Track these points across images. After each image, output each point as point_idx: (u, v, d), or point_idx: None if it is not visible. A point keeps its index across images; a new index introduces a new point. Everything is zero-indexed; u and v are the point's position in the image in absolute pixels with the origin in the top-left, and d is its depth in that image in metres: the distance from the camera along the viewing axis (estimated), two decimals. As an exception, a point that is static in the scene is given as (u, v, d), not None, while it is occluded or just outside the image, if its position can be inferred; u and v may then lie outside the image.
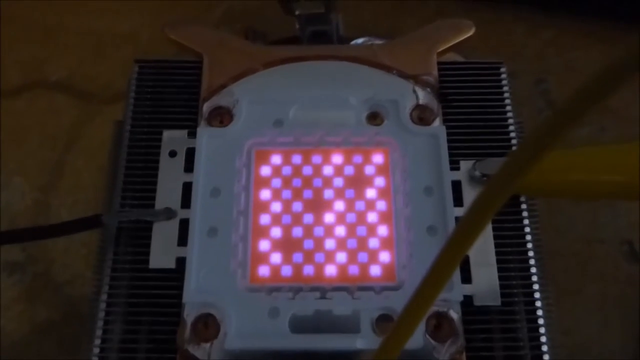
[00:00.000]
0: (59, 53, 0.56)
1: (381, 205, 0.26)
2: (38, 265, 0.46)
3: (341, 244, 0.26)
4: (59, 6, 0.57)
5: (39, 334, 0.44)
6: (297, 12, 0.40)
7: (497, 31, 0.59)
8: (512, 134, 0.29)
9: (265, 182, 0.27)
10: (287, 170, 0.27)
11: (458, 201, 0.27)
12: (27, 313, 0.45)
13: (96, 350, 0.24)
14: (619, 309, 0.48)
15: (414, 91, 0.29)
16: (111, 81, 0.54)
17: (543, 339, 0.25)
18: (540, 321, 0.25)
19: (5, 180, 0.49)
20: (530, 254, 0.26)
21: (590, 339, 0.47)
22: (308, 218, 0.26)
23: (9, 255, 0.45)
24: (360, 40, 0.35)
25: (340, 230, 0.26)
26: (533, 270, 0.26)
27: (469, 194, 0.27)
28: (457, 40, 0.31)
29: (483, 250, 0.26)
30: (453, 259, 0.18)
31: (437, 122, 0.28)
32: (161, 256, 0.25)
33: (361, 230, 0.26)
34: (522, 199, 0.27)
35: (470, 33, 0.31)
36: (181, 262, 0.25)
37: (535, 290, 0.26)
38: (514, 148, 0.28)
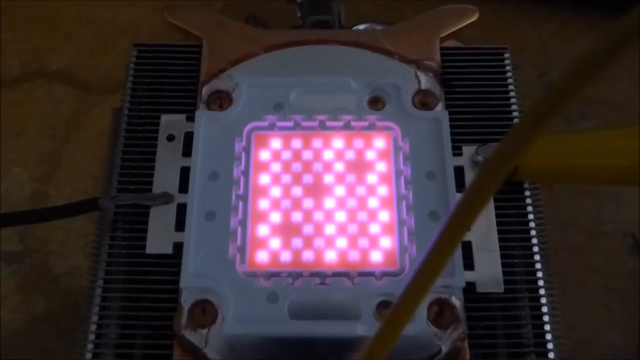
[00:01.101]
0: (59, 43, 0.55)
1: (382, 190, 0.26)
2: (36, 256, 0.46)
3: (341, 229, 0.25)
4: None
5: (38, 324, 0.44)
6: (298, 0, 0.40)
7: (500, 24, 0.59)
8: (515, 120, 0.28)
9: (264, 167, 0.26)
10: (286, 154, 0.26)
11: (460, 187, 0.26)
12: (25, 304, 0.44)
13: (92, 337, 0.24)
14: (622, 302, 0.47)
15: (416, 76, 0.28)
16: (111, 72, 0.53)
17: (546, 327, 0.24)
18: (544, 309, 0.25)
19: (5, 170, 0.49)
20: (534, 240, 0.26)
21: (593, 332, 0.46)
22: (308, 203, 0.26)
23: (6, 245, 0.45)
24: (362, 27, 0.34)
25: (341, 216, 0.25)
26: (536, 257, 0.26)
27: (472, 179, 0.26)
28: (460, 26, 0.30)
29: (486, 237, 0.25)
30: (451, 241, 0.17)
31: (440, 107, 0.28)
32: (158, 241, 0.25)
33: (362, 216, 0.25)
34: (526, 185, 0.27)
35: (474, 18, 0.30)
36: (178, 247, 0.25)
37: (539, 278, 0.25)
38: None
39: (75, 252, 0.46)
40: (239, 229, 0.25)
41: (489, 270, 0.25)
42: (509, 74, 0.29)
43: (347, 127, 0.27)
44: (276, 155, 0.26)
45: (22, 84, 0.53)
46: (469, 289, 0.24)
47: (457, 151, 0.27)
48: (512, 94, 0.29)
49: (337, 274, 0.24)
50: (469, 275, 0.25)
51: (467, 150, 0.27)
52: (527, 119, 0.15)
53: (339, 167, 0.26)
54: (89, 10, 0.57)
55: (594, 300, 0.48)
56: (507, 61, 0.30)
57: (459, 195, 0.26)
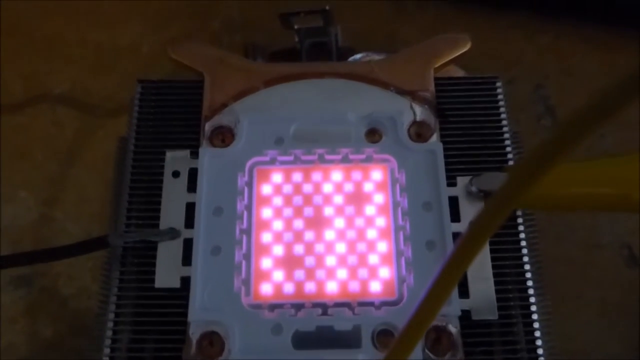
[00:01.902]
0: (61, 66, 0.56)
1: (380, 221, 0.27)
2: (44, 278, 0.46)
3: (342, 260, 0.26)
4: (59, 19, 0.57)
5: (46, 348, 0.45)
6: (296, 26, 0.41)
7: (496, 37, 0.59)
8: (508, 149, 0.29)
9: (266, 201, 0.27)
10: (287, 188, 0.27)
11: (455, 216, 0.27)
12: (33, 327, 0.45)
13: (104, 368, 0.25)
14: (620, 314, 0.48)
15: (412, 107, 0.29)
16: (113, 93, 0.54)
17: (540, 351, 0.25)
18: (537, 333, 0.26)
19: (11, 194, 0.50)
20: (527, 267, 0.27)
21: (590, 344, 0.47)
22: (309, 235, 0.27)
23: (15, 269, 0.46)
24: (358, 56, 0.35)
25: (341, 247, 0.26)
26: (529, 283, 0.27)
27: (466, 209, 0.27)
28: (453, 56, 0.31)
29: (480, 264, 0.26)
30: (453, 276, 0.18)
31: (435, 138, 0.29)
32: (166, 276, 0.26)
33: (361, 247, 0.26)
34: (518, 212, 0.28)
35: (467, 48, 0.31)
36: (186, 281, 0.26)
37: (532, 304, 0.26)
38: (509, 162, 0.29)
39: (83, 273, 0.47)
40: (244, 263, 0.26)
41: (483, 298, 0.26)
42: (501, 103, 0.30)
43: (345, 160, 0.28)
44: (278, 189, 0.27)
45: (26, 108, 0.54)
46: (465, 316, 0.25)
47: (451, 180, 0.28)
48: (504, 122, 0.30)
49: (338, 304, 0.25)
50: (464, 303, 0.25)
51: (462, 180, 0.28)
52: (532, 160, 0.15)
53: (338, 199, 0.27)
54: (88, 32, 0.58)
55: (592, 311, 0.49)
56: (499, 90, 0.31)
57: (454, 225, 0.27)
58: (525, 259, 0.27)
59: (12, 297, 0.46)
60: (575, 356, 0.44)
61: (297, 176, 0.28)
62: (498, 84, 0.31)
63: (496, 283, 0.26)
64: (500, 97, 0.30)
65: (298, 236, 0.27)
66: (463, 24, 0.57)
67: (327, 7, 0.39)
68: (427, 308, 0.19)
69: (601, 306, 0.48)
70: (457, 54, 0.31)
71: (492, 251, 0.27)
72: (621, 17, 0.56)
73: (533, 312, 0.26)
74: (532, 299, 0.26)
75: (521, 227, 0.28)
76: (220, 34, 0.57)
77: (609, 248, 0.50)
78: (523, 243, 0.27)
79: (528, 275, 0.27)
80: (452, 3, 0.58)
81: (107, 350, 0.25)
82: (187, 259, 0.26)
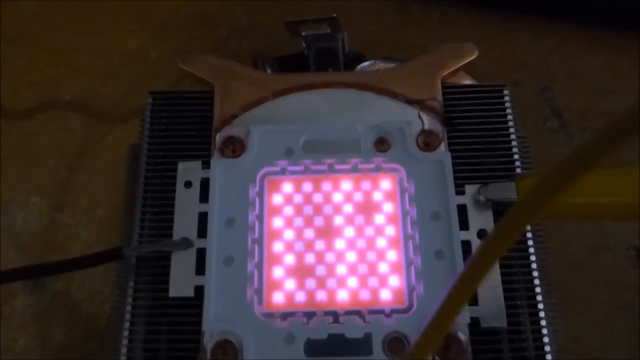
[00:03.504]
0: (71, 73, 0.57)
1: (390, 230, 0.27)
2: (57, 283, 0.47)
3: (352, 269, 0.27)
4: (68, 27, 0.58)
5: (60, 352, 0.46)
6: (303, 34, 0.42)
7: (501, 40, 0.60)
8: (516, 157, 0.29)
9: (277, 211, 0.28)
10: (298, 198, 0.28)
11: (464, 224, 0.27)
12: (47, 331, 0.46)
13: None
14: (626, 315, 0.48)
15: (420, 117, 0.30)
16: (122, 100, 0.55)
17: (549, 357, 0.26)
18: (546, 339, 0.26)
19: (24, 200, 0.51)
20: (535, 274, 0.27)
21: (598, 346, 0.47)
22: (320, 245, 0.27)
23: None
24: (366, 64, 0.36)
25: (351, 256, 0.27)
26: (537, 290, 0.27)
27: (474, 217, 0.28)
28: (460, 64, 0.31)
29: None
30: (471, 285, 0.19)
31: (443, 147, 0.29)
32: (180, 285, 0.27)
33: (371, 256, 0.27)
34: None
35: (474, 56, 0.32)
36: (199, 290, 0.26)
37: (541, 310, 0.27)
38: (517, 171, 0.29)
39: (95, 277, 0.48)
40: (256, 272, 0.26)
41: (492, 305, 0.26)
42: (508, 111, 0.31)
43: (354, 169, 0.28)
44: (288, 199, 0.28)
45: (37, 114, 0.55)
46: (474, 323, 0.26)
47: (459, 189, 0.28)
48: (512, 130, 0.30)
49: (349, 313, 0.26)
50: (473, 311, 0.26)
51: (470, 189, 0.28)
52: (562, 168, 0.15)
53: (348, 209, 0.28)
54: (97, 39, 0.59)
55: (598, 313, 0.49)
56: (506, 98, 0.31)
57: (462, 234, 0.27)
58: (534, 265, 0.27)
59: (27, 301, 0.47)
60: (582, 356, 0.45)
61: (307, 186, 0.28)
62: (505, 92, 0.31)
63: (505, 290, 0.27)
64: (507, 104, 0.31)
65: (309, 245, 0.27)
66: (469, 27, 0.58)
67: (335, 15, 0.39)
68: (443, 317, 0.19)
69: (608, 308, 0.48)
70: (464, 63, 0.32)
71: (500, 258, 0.27)
72: (628, 19, 0.56)
73: (542, 319, 0.26)
74: (541, 306, 0.27)
75: (529, 234, 0.28)
76: (228, 40, 0.57)
77: (615, 249, 0.50)
78: (531, 250, 0.28)
79: (536, 282, 0.27)
80: (457, 6, 0.58)
81: (123, 359, 0.26)
82: (200, 268, 0.27)
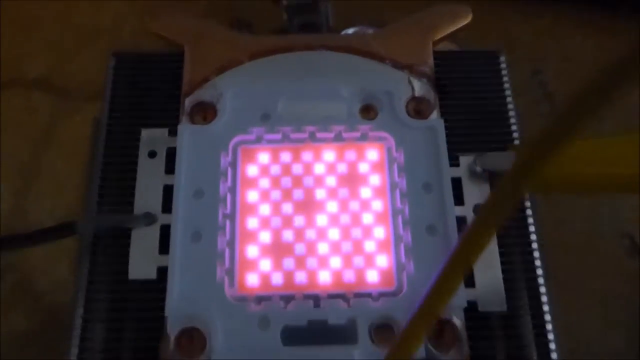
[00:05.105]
0: (38, 48, 0.53)
1: (377, 204, 0.25)
2: (17, 273, 0.44)
3: (335, 248, 0.24)
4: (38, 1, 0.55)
5: (21, 343, 0.42)
6: (284, 2, 0.39)
7: (493, 21, 0.58)
8: (514, 127, 0.27)
9: (252, 183, 0.25)
10: (275, 169, 0.25)
11: (458, 199, 0.25)
12: (6, 322, 0.43)
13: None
14: (621, 304, 0.47)
15: (410, 82, 0.27)
16: (92, 77, 0.52)
17: (552, 345, 0.23)
18: (549, 327, 0.24)
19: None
20: (536, 254, 0.25)
21: (591, 335, 0.46)
22: (299, 220, 0.24)
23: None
24: (351, 30, 0.33)
25: (334, 233, 0.24)
26: (539, 272, 0.24)
27: (470, 191, 0.25)
28: (454, 28, 0.29)
29: (486, 251, 0.24)
30: (464, 263, 0.17)
31: (435, 115, 0.26)
32: (141, 266, 0.24)
33: (356, 233, 0.24)
34: (526, 195, 0.26)
35: (468, 20, 0.29)
36: (163, 271, 0.23)
37: (542, 294, 0.24)
38: (515, 141, 0.27)
39: (59, 266, 0.45)
40: (227, 250, 0.24)
41: (490, 288, 0.24)
42: (505, 79, 0.28)
43: (338, 138, 0.26)
44: (264, 170, 0.25)
45: (0, 92, 0.51)
46: (470, 307, 0.23)
47: (453, 161, 0.26)
48: (509, 99, 0.28)
49: (331, 296, 0.23)
50: (470, 293, 0.23)
51: (465, 160, 0.26)
52: (544, 137, 0.14)
53: (331, 181, 0.25)
54: (69, 12, 0.55)
55: (593, 301, 0.47)
56: (502, 65, 0.29)
57: (457, 209, 0.25)
58: (534, 245, 0.25)
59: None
60: (576, 347, 0.43)
61: (286, 156, 0.25)
62: (502, 59, 0.29)
63: (504, 272, 0.24)
64: (504, 72, 0.28)
65: (287, 221, 0.24)
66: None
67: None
68: (435, 299, 0.17)
69: (602, 296, 0.46)
70: (458, 26, 0.29)
71: (498, 237, 0.25)
72: (619, 0, 0.55)
73: (543, 304, 0.24)
74: (542, 289, 0.24)
75: (529, 212, 0.25)
76: (208, 13, 0.54)
77: (609, 237, 0.49)
78: (531, 229, 0.25)
79: (537, 263, 0.25)
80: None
81: (75, 350, 0.23)
82: (164, 247, 0.24)
